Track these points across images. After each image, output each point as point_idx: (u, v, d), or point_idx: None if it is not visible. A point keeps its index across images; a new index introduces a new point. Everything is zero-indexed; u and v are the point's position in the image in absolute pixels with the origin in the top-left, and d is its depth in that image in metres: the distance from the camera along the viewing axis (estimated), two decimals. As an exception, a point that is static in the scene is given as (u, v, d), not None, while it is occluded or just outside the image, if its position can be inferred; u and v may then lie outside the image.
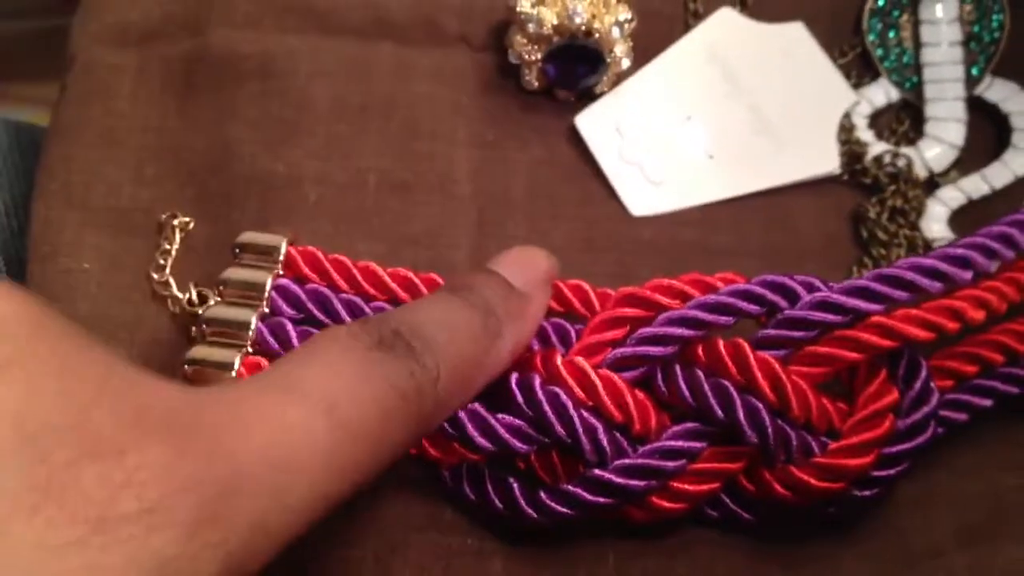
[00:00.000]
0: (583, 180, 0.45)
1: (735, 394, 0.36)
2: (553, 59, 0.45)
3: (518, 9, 0.44)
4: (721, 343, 0.37)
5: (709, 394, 0.36)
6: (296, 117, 0.45)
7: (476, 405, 0.35)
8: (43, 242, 0.42)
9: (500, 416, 0.36)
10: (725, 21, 0.48)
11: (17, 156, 0.48)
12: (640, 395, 0.37)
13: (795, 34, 0.48)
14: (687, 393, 0.37)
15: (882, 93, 0.47)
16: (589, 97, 0.46)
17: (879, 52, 0.48)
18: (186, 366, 0.38)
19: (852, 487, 0.36)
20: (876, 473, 0.36)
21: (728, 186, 0.45)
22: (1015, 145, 0.46)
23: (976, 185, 0.45)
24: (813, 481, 0.36)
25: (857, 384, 0.38)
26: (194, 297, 0.41)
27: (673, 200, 0.45)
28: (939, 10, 0.47)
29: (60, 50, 0.47)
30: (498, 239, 0.44)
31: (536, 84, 0.46)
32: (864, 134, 0.46)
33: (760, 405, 0.36)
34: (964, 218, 0.45)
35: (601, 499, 0.36)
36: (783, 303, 0.37)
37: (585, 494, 0.36)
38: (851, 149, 0.46)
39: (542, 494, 0.36)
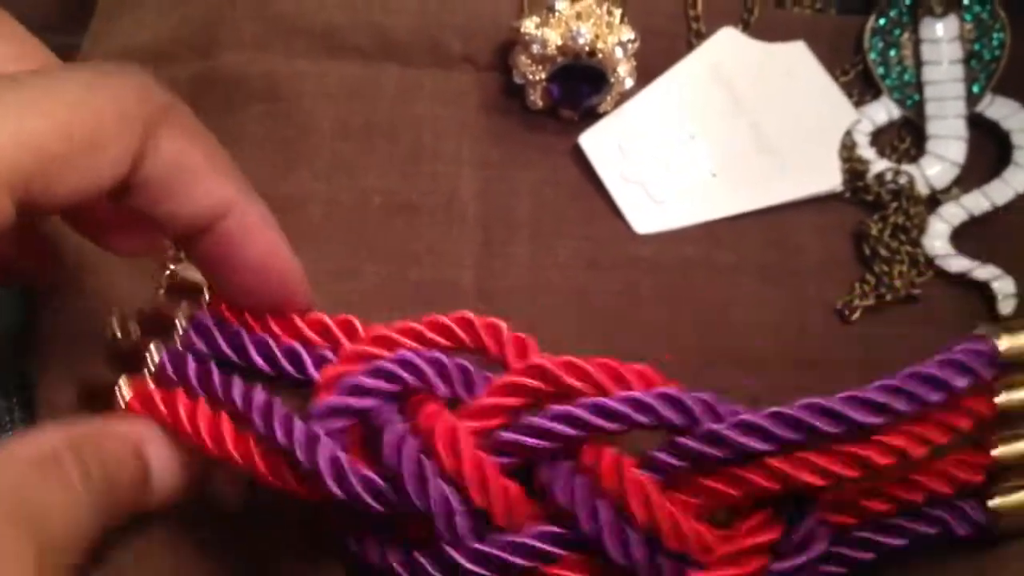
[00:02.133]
0: (587, 199, 0.46)
1: (607, 518, 0.35)
2: (557, 79, 0.45)
3: (522, 30, 0.45)
4: (607, 455, 0.35)
5: (580, 508, 0.35)
6: (301, 139, 0.45)
7: (339, 452, 0.35)
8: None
9: (362, 470, 0.35)
10: (727, 40, 0.48)
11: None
12: (511, 485, 0.36)
13: (797, 53, 0.48)
14: (561, 500, 0.35)
15: (883, 111, 0.47)
16: (593, 116, 0.47)
17: (880, 70, 0.48)
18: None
19: None
20: None
21: (731, 204, 0.46)
22: (1016, 162, 0.46)
23: (977, 202, 0.45)
24: None
25: (742, 513, 0.36)
26: (117, 332, 0.40)
27: (676, 218, 0.45)
28: (940, 29, 0.48)
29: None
30: (503, 258, 0.44)
31: (540, 104, 0.46)
32: (866, 152, 0.47)
33: (631, 534, 0.35)
34: (966, 234, 0.45)
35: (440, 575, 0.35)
36: (676, 419, 0.35)
37: (429, 568, 0.35)
38: (853, 167, 0.46)
39: (390, 553, 0.36)
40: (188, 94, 0.46)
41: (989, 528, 0.37)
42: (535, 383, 0.36)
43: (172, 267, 0.40)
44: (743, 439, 0.34)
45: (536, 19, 0.45)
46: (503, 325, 0.38)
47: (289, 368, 0.38)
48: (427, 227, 0.44)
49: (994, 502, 0.37)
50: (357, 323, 0.39)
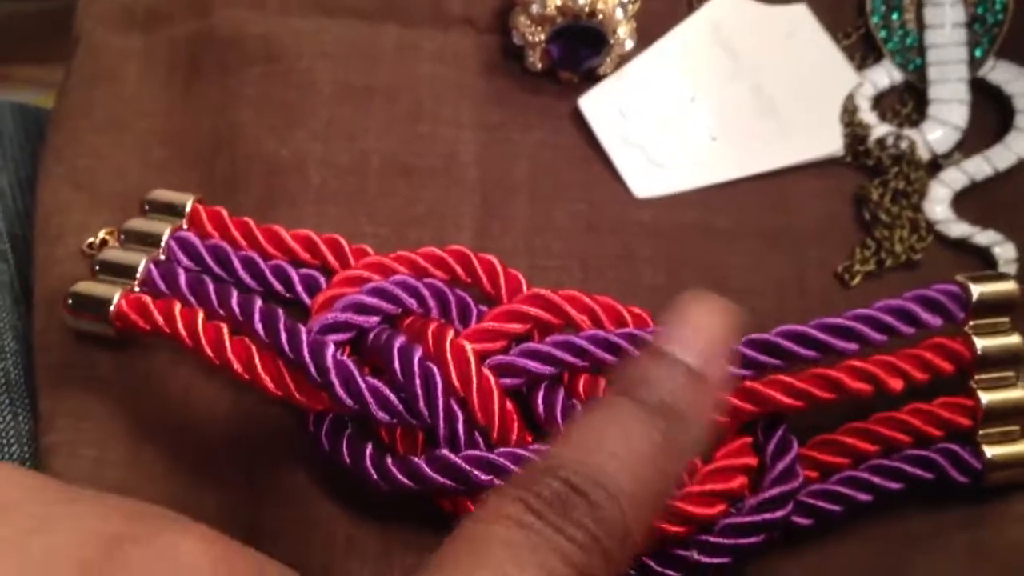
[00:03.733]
0: (586, 162, 0.46)
1: None
2: (557, 40, 0.45)
3: (522, -9, 0.44)
4: (602, 385, 0.37)
5: None
6: (300, 99, 0.45)
7: (349, 360, 0.35)
8: (50, 224, 0.43)
9: (369, 379, 0.36)
10: (729, 2, 0.48)
11: (22, 138, 0.48)
12: (510, 406, 0.37)
13: (799, 15, 0.48)
14: (560, 423, 0.36)
15: (885, 75, 0.47)
16: (592, 79, 0.46)
17: (883, 34, 0.48)
18: (69, 300, 0.39)
19: (696, 551, 0.36)
20: (723, 541, 0.36)
21: (731, 168, 0.45)
22: (1018, 127, 0.46)
23: (979, 167, 0.45)
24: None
25: (722, 443, 0.37)
26: (96, 242, 0.42)
27: (676, 182, 0.45)
28: (943, -8, 0.47)
29: (64, 32, 0.47)
30: (502, 220, 0.44)
31: (540, 66, 0.46)
32: (867, 116, 0.46)
33: None
34: (967, 199, 0.45)
35: (441, 479, 0.36)
36: None
37: (427, 469, 0.36)
38: (854, 131, 0.46)
39: (388, 460, 0.36)
40: (186, 54, 0.46)
41: (983, 476, 0.38)
42: (537, 311, 0.38)
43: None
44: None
45: (536, -20, 0.44)
46: (498, 262, 0.39)
47: (277, 285, 0.39)
48: (426, 189, 0.44)
49: (992, 450, 0.38)
50: (344, 242, 0.40)
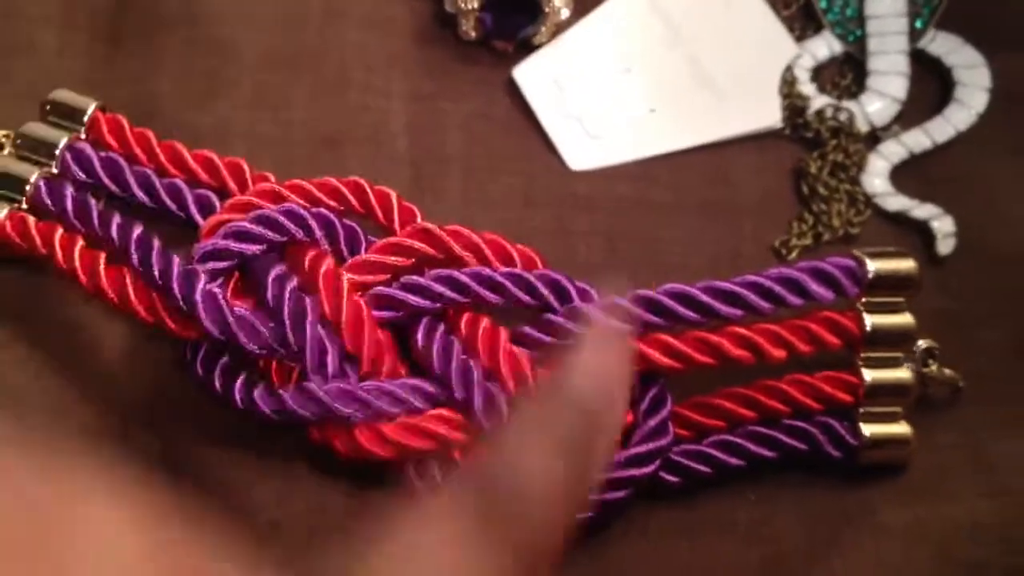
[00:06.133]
0: (521, 134, 0.45)
1: (478, 379, 0.36)
2: (490, 8, 0.44)
3: (454, -44, 0.43)
4: (484, 323, 0.37)
5: (455, 369, 0.36)
6: (222, 67, 0.44)
7: (217, 290, 0.36)
8: None
9: (238, 309, 0.36)
10: (667, -29, 0.47)
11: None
12: (383, 336, 0.37)
13: (738, -15, 0.47)
14: (435, 358, 0.36)
15: (825, 46, 0.46)
16: (527, 48, 0.45)
17: (823, 4, 0.47)
18: None
19: None
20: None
21: (668, 140, 0.45)
22: (957, 99, 0.45)
23: (917, 140, 0.45)
24: None
25: None
26: None
27: (613, 154, 0.44)
28: (883, -39, 0.47)
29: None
30: (434, 193, 0.43)
31: (473, 34, 0.45)
32: (806, 87, 0.46)
33: (500, 396, 0.36)
34: (905, 173, 0.44)
35: (303, 410, 0.35)
36: (554, 302, 0.37)
37: (290, 401, 0.35)
38: (793, 103, 0.45)
39: (256, 391, 0.36)
40: (106, 22, 0.45)
41: (858, 453, 0.38)
42: (421, 246, 0.37)
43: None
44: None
45: (469, -55, 0.43)
46: (394, 193, 0.39)
47: (170, 204, 0.39)
48: (354, 160, 0.43)
49: (869, 428, 0.38)
50: (246, 166, 0.39)
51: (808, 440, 0.37)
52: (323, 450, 0.37)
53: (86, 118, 0.40)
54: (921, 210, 0.43)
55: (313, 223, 0.38)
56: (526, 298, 0.37)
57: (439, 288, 0.37)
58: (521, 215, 0.43)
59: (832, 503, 0.38)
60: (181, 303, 0.35)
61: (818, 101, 0.45)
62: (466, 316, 0.37)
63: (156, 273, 0.36)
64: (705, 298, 0.36)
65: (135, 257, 0.36)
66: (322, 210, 0.38)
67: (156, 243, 0.36)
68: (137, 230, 0.37)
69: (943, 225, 0.43)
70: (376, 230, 0.39)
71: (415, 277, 0.37)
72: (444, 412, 0.36)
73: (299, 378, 0.36)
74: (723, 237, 0.43)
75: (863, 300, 0.38)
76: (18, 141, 0.40)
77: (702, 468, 0.37)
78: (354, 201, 0.39)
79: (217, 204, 0.39)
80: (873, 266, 0.38)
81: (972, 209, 0.43)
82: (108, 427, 0.39)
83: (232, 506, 0.38)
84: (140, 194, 0.39)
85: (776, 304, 0.37)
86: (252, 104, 0.43)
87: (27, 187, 0.38)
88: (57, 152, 0.39)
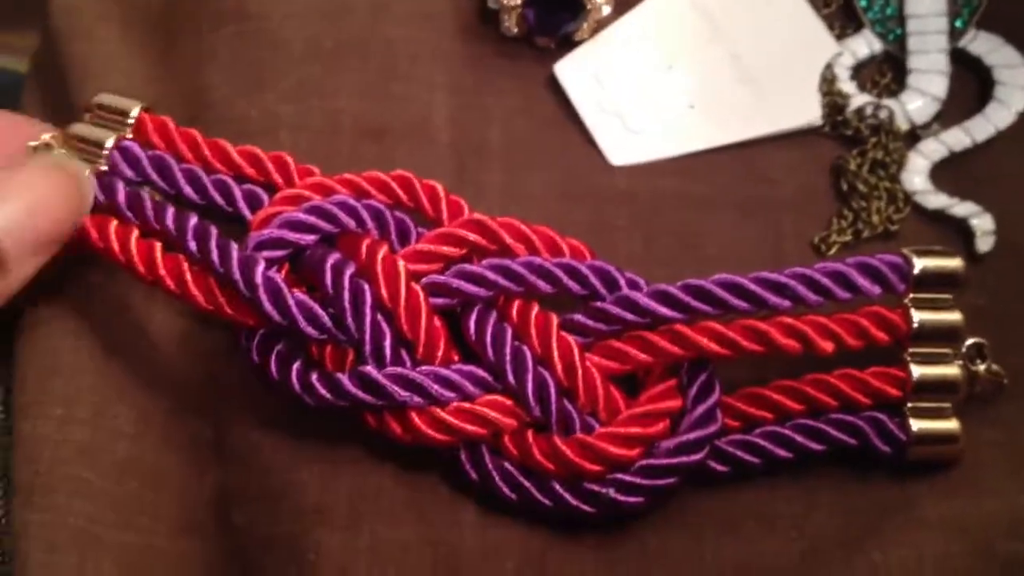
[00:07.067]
0: (562, 128, 0.45)
1: (530, 366, 0.37)
2: (533, 5, 0.44)
3: (498, -47, 0.44)
4: (535, 311, 0.38)
5: (507, 356, 0.37)
6: (270, 59, 0.44)
7: (278, 276, 0.36)
8: None
9: (297, 294, 0.36)
10: (708, -31, 0.47)
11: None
12: (438, 323, 0.37)
13: (778, -17, 0.47)
14: (488, 345, 0.37)
15: (865, 44, 0.47)
16: (569, 44, 0.46)
17: (863, 3, 0.47)
18: None
19: (611, 488, 0.36)
20: (635, 480, 0.36)
21: (708, 136, 0.45)
22: (997, 98, 0.45)
23: (958, 138, 0.45)
24: (571, 455, 0.36)
25: (647, 385, 0.38)
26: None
27: (652, 149, 0.45)
28: (924, -39, 0.47)
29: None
30: (475, 187, 0.43)
31: (515, 30, 0.45)
32: (846, 85, 0.46)
33: (551, 383, 0.37)
34: (945, 171, 0.45)
35: (362, 394, 0.36)
36: (604, 292, 0.38)
37: (349, 385, 0.36)
38: (833, 100, 0.45)
39: (313, 376, 0.36)
40: (162, 16, 0.45)
41: (907, 448, 0.38)
42: (474, 236, 0.38)
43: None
44: (655, 305, 0.37)
45: (513, -59, 0.44)
46: (441, 186, 0.39)
47: (218, 199, 0.39)
48: (398, 151, 0.43)
49: (918, 423, 0.38)
50: (290, 160, 0.40)
51: (857, 434, 0.38)
52: (366, 434, 0.38)
53: (131, 119, 0.40)
54: (961, 208, 0.43)
55: (365, 214, 0.38)
56: (576, 287, 0.38)
57: (493, 276, 0.37)
58: (561, 209, 0.43)
59: (871, 497, 0.38)
60: (242, 289, 0.36)
61: (858, 99, 0.45)
62: (517, 304, 0.38)
63: (215, 260, 0.36)
64: (754, 287, 0.37)
65: (192, 245, 0.37)
66: (373, 202, 0.39)
67: (213, 230, 0.37)
68: (193, 219, 0.37)
69: (982, 223, 0.43)
70: (423, 222, 0.39)
71: (468, 266, 0.38)
72: (497, 398, 0.37)
73: (354, 364, 0.37)
74: (762, 233, 0.43)
75: (910, 297, 0.38)
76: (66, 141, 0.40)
77: (751, 458, 0.38)
78: (402, 194, 0.39)
79: (265, 198, 0.39)
80: (920, 263, 0.38)
81: (1012, 207, 0.43)
82: (158, 410, 0.39)
83: (278, 488, 0.38)
84: (188, 190, 0.39)
85: (824, 296, 0.37)
86: (298, 96, 0.44)
87: None
88: (105, 151, 0.39)
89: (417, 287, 0.37)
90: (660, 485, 0.36)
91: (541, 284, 0.37)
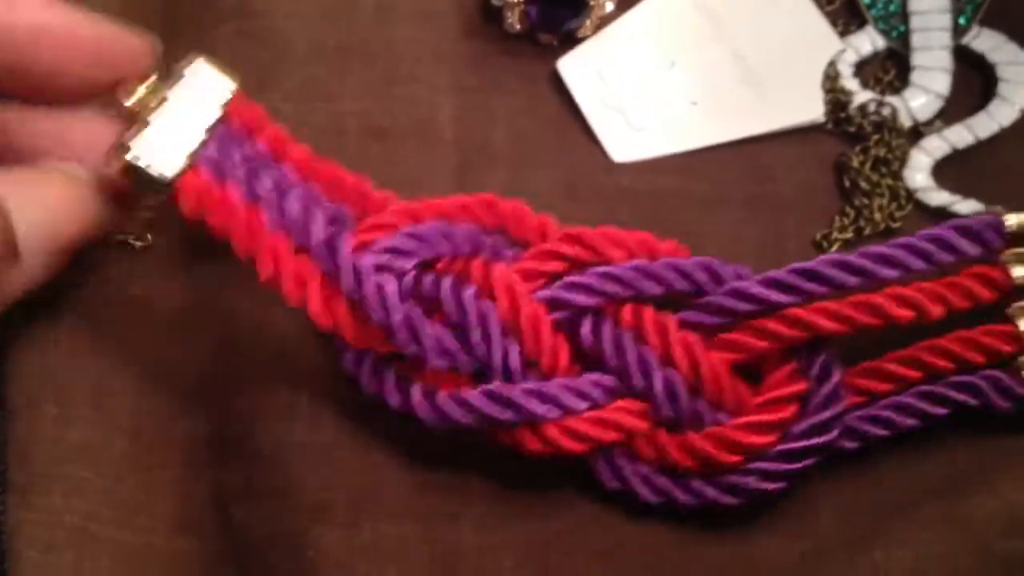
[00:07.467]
0: (565, 126, 0.45)
1: (656, 367, 0.37)
2: (536, 2, 0.44)
3: (500, -49, 0.44)
4: (649, 313, 0.38)
5: (632, 361, 0.37)
6: (273, 59, 0.44)
7: (413, 310, 0.36)
8: None
9: (432, 324, 0.36)
10: (711, -35, 0.47)
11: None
12: (558, 338, 0.37)
13: (781, -21, 0.47)
14: (609, 352, 0.37)
15: (868, 41, 0.47)
16: (572, 41, 0.46)
17: (866, 0, 0.47)
18: None
19: (752, 476, 0.37)
20: (775, 466, 0.37)
21: (711, 133, 0.45)
22: (1000, 95, 0.45)
23: (961, 135, 0.45)
24: (710, 449, 0.37)
25: (767, 372, 0.39)
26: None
27: (655, 147, 0.45)
28: (927, -43, 0.47)
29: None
30: (479, 186, 0.43)
31: (518, 27, 0.45)
32: (849, 82, 0.46)
33: (679, 380, 0.37)
34: (948, 168, 0.45)
35: (496, 412, 0.36)
36: (711, 285, 0.38)
37: (482, 404, 0.36)
38: (836, 97, 0.45)
39: (440, 395, 0.37)
40: (162, 13, 0.45)
41: None
42: (574, 250, 0.38)
43: None
44: (768, 292, 0.37)
45: (515, -61, 0.44)
46: (524, 205, 0.39)
47: (299, 215, 0.36)
48: (402, 152, 0.43)
49: None
50: (370, 185, 0.39)
51: (977, 394, 0.38)
52: (365, 434, 0.38)
53: (225, 96, 0.37)
54: (963, 205, 0.43)
55: (460, 239, 0.38)
56: (684, 284, 0.38)
57: (604, 285, 0.38)
58: (564, 207, 0.43)
59: (871, 497, 0.39)
60: (376, 316, 0.35)
61: (861, 96, 0.45)
62: (628, 307, 0.38)
63: (351, 279, 0.35)
64: (863, 262, 0.37)
65: (323, 263, 0.35)
66: (466, 225, 0.39)
67: (343, 248, 0.35)
68: (320, 217, 0.35)
69: (985, 221, 0.43)
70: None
71: (576, 277, 0.38)
72: (625, 403, 0.37)
73: (472, 382, 0.37)
74: (765, 230, 0.43)
75: (1007, 253, 0.38)
76: None
77: (878, 431, 0.38)
78: (486, 217, 0.39)
79: (347, 219, 0.38)
80: (1014, 219, 0.38)
81: (1015, 205, 0.43)
82: (155, 408, 0.39)
83: (278, 485, 0.38)
84: (271, 198, 0.37)
85: (927, 262, 0.38)
86: (302, 96, 0.44)
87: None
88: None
89: (538, 303, 0.37)
90: (799, 468, 0.37)
91: (651, 287, 0.38)
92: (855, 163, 0.44)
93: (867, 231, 0.43)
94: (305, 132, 0.43)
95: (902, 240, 0.38)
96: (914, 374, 0.38)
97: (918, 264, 0.38)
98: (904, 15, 0.47)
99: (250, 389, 0.39)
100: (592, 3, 0.45)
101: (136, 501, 0.38)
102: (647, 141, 0.45)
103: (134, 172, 0.34)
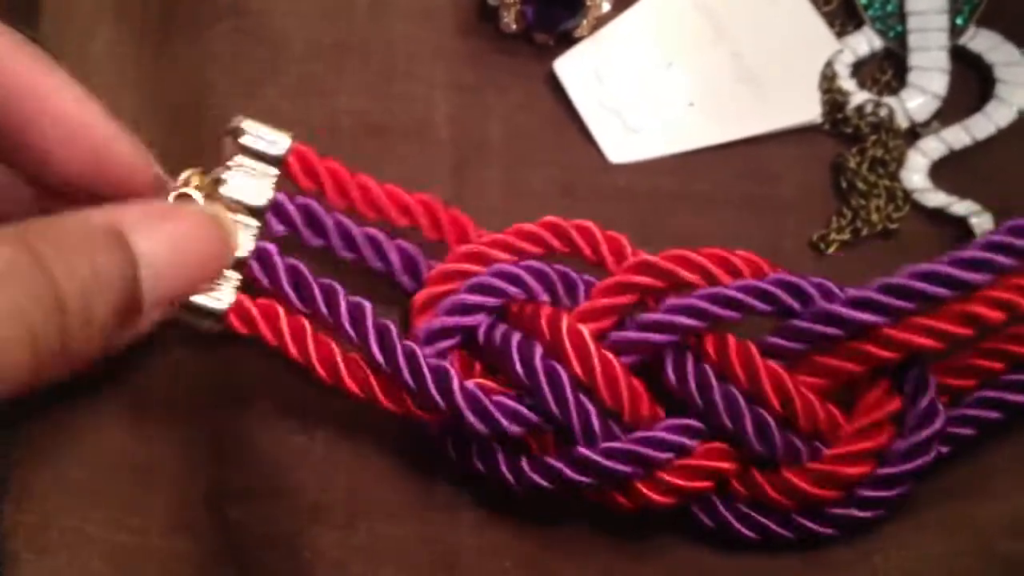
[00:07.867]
0: (561, 126, 0.45)
1: (745, 406, 0.35)
2: (532, 1, 0.44)
3: (497, -51, 0.44)
4: (732, 344, 0.36)
5: (719, 402, 0.35)
6: (270, 57, 0.44)
7: (474, 388, 0.35)
8: None
9: (497, 398, 0.35)
10: (708, -34, 0.47)
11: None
12: (636, 383, 0.36)
13: (779, -20, 0.47)
14: (695, 393, 0.36)
15: (865, 42, 0.47)
16: (568, 41, 0.46)
17: (863, 0, 0.47)
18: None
19: (853, 507, 0.36)
20: (875, 494, 0.36)
21: (708, 134, 0.45)
22: (998, 96, 0.45)
23: (957, 136, 0.45)
24: (807, 487, 0.35)
25: (859, 393, 0.37)
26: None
27: (652, 147, 0.45)
28: (924, -42, 0.47)
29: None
30: (475, 184, 0.43)
31: (514, 27, 0.45)
32: (846, 83, 0.46)
33: (770, 420, 0.35)
34: (945, 169, 0.45)
35: (582, 477, 0.35)
36: (795, 305, 0.36)
37: (567, 470, 0.35)
38: (833, 98, 0.45)
39: (524, 463, 0.36)
40: (157, 12, 0.45)
41: None
42: (646, 279, 0.36)
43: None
44: (856, 313, 0.35)
45: (512, -62, 0.44)
46: (595, 226, 0.38)
47: (374, 259, 0.38)
48: (399, 150, 0.43)
49: None
50: (439, 206, 0.38)
51: None
52: (364, 433, 0.38)
53: (279, 154, 0.37)
54: (960, 206, 0.43)
55: (528, 279, 0.37)
56: (765, 307, 0.36)
57: (677, 319, 0.35)
58: (560, 207, 0.43)
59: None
60: (442, 405, 0.34)
61: (858, 97, 0.45)
62: (710, 339, 0.36)
63: (407, 374, 0.35)
64: (951, 270, 0.35)
65: (380, 359, 0.35)
66: (533, 263, 0.37)
67: (395, 334, 0.35)
68: (371, 317, 0.35)
69: (982, 222, 0.43)
70: (582, 265, 0.39)
71: (650, 315, 0.36)
72: (714, 445, 0.36)
73: (558, 442, 0.36)
74: (762, 230, 0.43)
75: None
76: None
77: (967, 431, 0.37)
78: (555, 243, 0.38)
79: (419, 260, 0.38)
80: None
81: (1012, 206, 0.43)
82: (151, 407, 0.39)
83: (274, 486, 0.38)
84: (339, 244, 0.37)
85: (1016, 258, 0.35)
86: (299, 93, 0.43)
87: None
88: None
89: (609, 354, 0.35)
90: (901, 493, 0.36)
91: (728, 314, 0.36)
92: (852, 164, 0.44)
93: (864, 232, 0.43)
94: (302, 129, 0.43)
95: (988, 240, 0.36)
96: (996, 365, 0.37)
97: (1007, 262, 0.35)
98: (901, 15, 0.47)
99: (248, 391, 0.39)
100: (588, 3, 0.45)
101: (131, 502, 0.38)
102: (644, 142, 0.45)
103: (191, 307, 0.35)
